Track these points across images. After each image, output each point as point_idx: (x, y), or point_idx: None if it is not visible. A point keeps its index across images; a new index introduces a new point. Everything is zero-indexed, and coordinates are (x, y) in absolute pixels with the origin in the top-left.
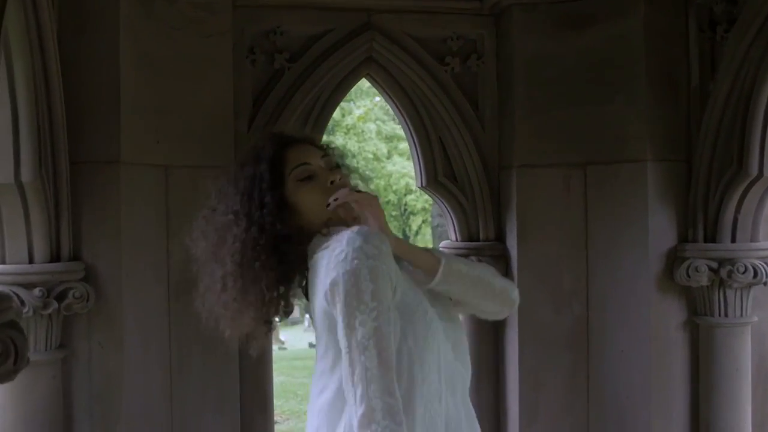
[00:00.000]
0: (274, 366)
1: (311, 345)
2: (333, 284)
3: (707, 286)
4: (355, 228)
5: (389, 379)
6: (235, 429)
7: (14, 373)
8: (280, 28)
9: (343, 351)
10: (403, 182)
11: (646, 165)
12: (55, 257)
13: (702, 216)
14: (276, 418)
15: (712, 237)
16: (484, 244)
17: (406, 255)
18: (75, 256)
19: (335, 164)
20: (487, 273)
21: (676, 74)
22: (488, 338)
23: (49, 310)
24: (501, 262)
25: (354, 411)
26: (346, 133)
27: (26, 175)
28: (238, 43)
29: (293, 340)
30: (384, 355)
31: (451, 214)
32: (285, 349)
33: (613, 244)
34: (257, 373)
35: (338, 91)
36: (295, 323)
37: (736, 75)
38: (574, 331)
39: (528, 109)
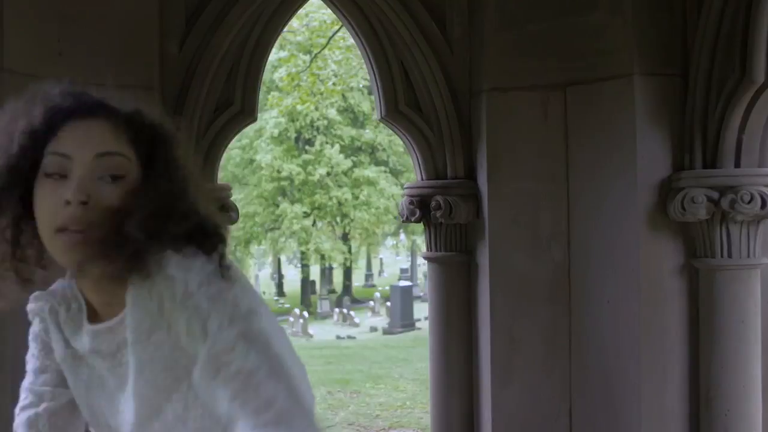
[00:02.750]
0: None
1: (338, 337)
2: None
3: (707, 221)
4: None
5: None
6: None
7: None
8: None
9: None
10: None
11: (632, 80)
12: None
13: (700, 138)
14: None
15: (711, 162)
16: (452, 182)
17: None
18: None
19: (116, 173)
20: None
21: None
22: (456, 290)
23: None
24: (471, 201)
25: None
26: (375, 127)
27: None
28: None
29: (321, 333)
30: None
31: (415, 149)
32: (312, 338)
33: (597, 176)
34: None
35: (282, 10)
36: (325, 317)
37: None
38: (553, 279)
39: (500, 25)
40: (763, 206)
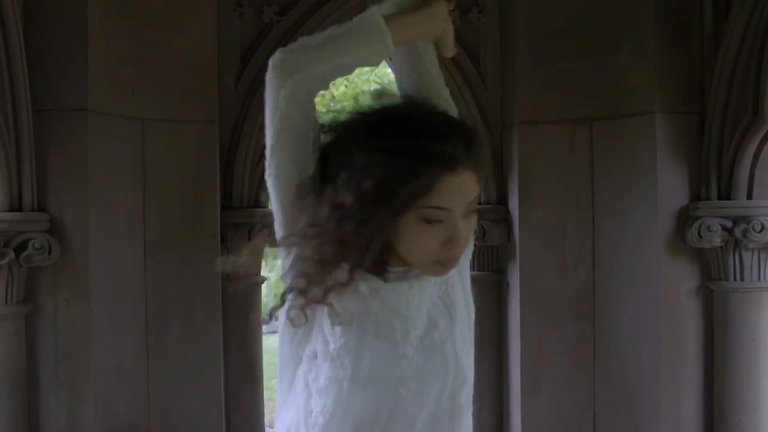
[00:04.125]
0: None
1: None
2: None
3: (721, 248)
4: None
5: None
6: (218, 397)
7: None
8: None
9: None
10: None
11: (654, 117)
12: (16, 207)
13: (715, 171)
14: None
15: (726, 194)
16: (486, 207)
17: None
18: (40, 208)
19: (473, 209)
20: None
21: (688, 18)
22: (489, 306)
23: (5, 260)
24: (503, 225)
25: None
26: None
27: None
28: None
29: None
30: None
31: None
32: None
33: (620, 203)
34: (243, 339)
35: None
36: None
37: (751, 12)
38: (579, 297)
39: (530, 63)
40: None
